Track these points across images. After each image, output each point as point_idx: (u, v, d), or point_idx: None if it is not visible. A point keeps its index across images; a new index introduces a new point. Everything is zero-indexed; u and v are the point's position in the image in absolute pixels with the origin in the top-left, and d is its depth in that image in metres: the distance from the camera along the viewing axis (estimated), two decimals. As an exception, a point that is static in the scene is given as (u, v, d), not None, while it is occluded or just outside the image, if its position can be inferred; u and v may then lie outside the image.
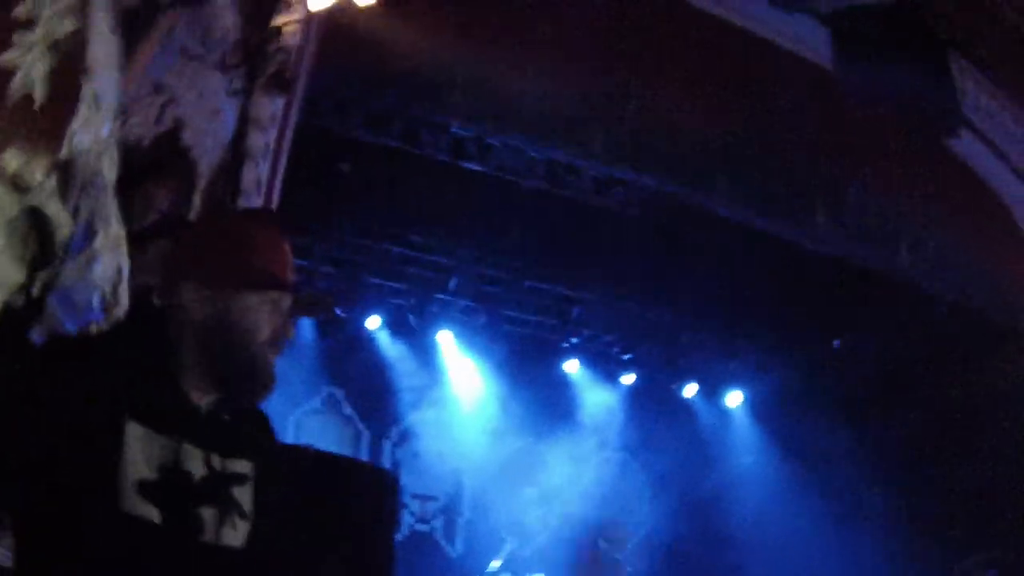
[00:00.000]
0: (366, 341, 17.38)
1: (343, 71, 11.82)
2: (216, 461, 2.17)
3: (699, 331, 18.38)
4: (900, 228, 14.72)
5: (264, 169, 8.38)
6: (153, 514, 1.96)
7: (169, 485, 2.01)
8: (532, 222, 14.54)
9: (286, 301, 2.36)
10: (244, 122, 7.75)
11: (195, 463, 2.12)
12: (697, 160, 13.76)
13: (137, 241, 5.36)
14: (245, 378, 2.31)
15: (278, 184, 8.76)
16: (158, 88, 5.95)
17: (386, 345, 17.53)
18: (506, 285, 16.87)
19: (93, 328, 2.75)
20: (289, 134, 8.88)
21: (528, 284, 16.87)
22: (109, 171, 2.57)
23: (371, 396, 17.65)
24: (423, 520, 18.07)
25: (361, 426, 17.75)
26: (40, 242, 1.75)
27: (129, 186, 5.22)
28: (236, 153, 7.72)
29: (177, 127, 6.35)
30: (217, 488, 2.15)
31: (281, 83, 7.90)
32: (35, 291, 1.79)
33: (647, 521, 20.37)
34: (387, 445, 18.06)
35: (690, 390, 19.87)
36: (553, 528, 19.24)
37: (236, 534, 2.18)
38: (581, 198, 14.11)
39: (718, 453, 20.38)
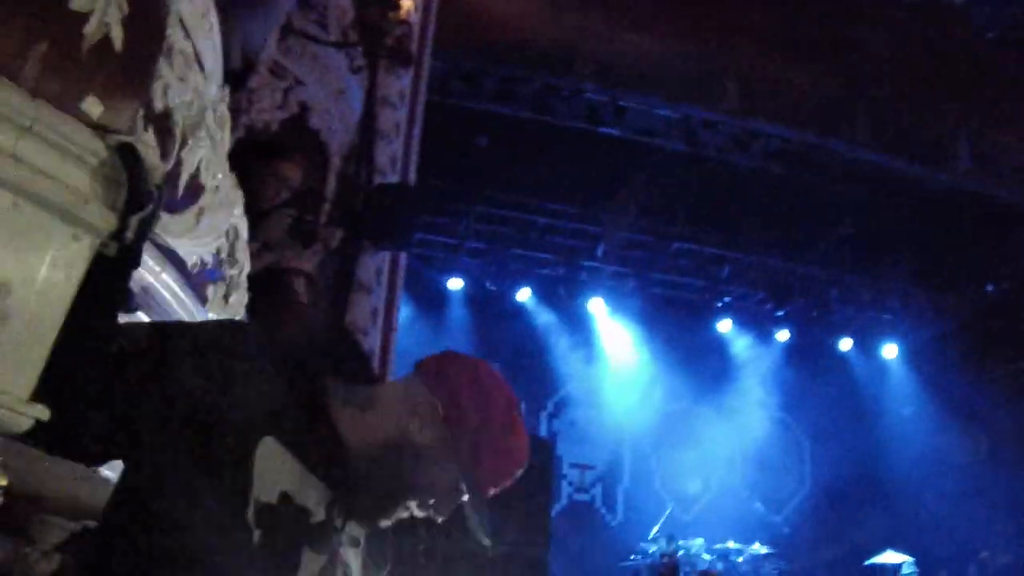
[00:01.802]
0: (517, 313, 17.45)
1: (470, 45, 11.90)
2: (339, 513, 2.10)
3: (850, 284, 18.00)
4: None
5: (398, 146, 8.48)
6: (255, 535, 1.89)
7: (283, 513, 1.94)
8: (674, 184, 14.40)
9: (461, 495, 2.21)
10: (373, 101, 7.82)
11: (317, 506, 2.04)
12: (836, 109, 13.49)
13: (268, 217, 5.49)
14: (379, 502, 2.20)
15: (414, 161, 8.86)
16: (279, 73, 6.05)
17: (537, 316, 17.59)
18: (653, 248, 16.78)
19: (210, 290, 2.81)
20: (420, 110, 8.97)
21: (676, 246, 16.75)
22: (217, 130, 2.59)
23: (525, 368, 17.71)
24: (582, 489, 18.11)
25: (517, 398, 17.81)
26: (132, 184, 1.76)
27: (259, 168, 5.35)
28: (368, 132, 7.81)
29: (303, 110, 6.45)
30: (331, 540, 2.08)
31: (403, 57, 7.95)
32: (129, 237, 1.78)
33: (806, 480, 20.12)
34: (543, 416, 18.13)
35: (845, 344, 19.50)
36: (713, 492, 19.13)
37: None
38: (721, 156, 13.93)
39: (876, 406, 19.97)
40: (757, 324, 18.80)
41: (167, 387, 1.84)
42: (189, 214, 2.47)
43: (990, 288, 17.46)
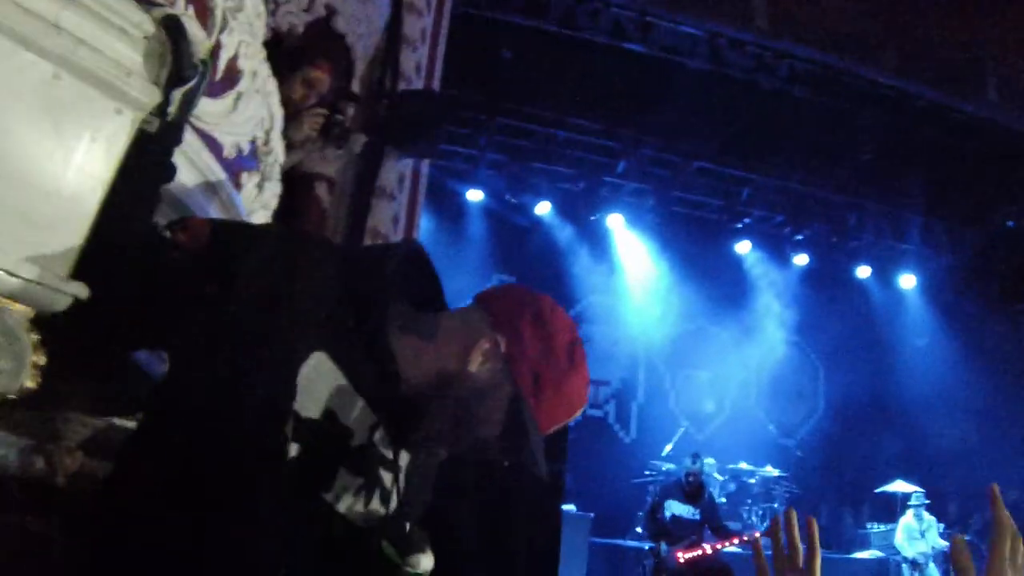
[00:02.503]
0: (536, 227, 17.44)
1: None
2: (383, 439, 2.06)
3: (869, 211, 17.89)
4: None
5: (423, 54, 8.38)
6: (292, 448, 1.86)
7: (324, 430, 1.92)
8: (698, 103, 14.22)
9: (523, 433, 2.14)
10: (400, 7, 7.72)
11: (361, 428, 2.01)
12: (863, 33, 13.32)
13: (297, 118, 5.44)
14: (433, 432, 2.13)
15: (438, 69, 8.77)
16: (306, -25, 5.96)
17: (556, 231, 17.57)
18: (674, 167, 16.68)
19: (244, 177, 2.76)
20: (446, 17, 8.86)
21: (696, 165, 16.64)
22: (255, 17, 2.53)
23: (542, 282, 17.70)
24: (596, 405, 18.20)
25: (533, 312, 17.87)
26: (176, 58, 1.70)
27: (287, 74, 5.30)
28: (394, 38, 7.72)
29: (329, 13, 6.36)
30: (370, 463, 2.04)
31: (433, -40, 7.84)
32: (172, 112, 1.74)
33: (819, 405, 20.21)
34: (559, 331, 18.15)
35: (863, 271, 19.52)
36: (727, 413, 19.22)
37: (368, 514, 2.07)
38: (747, 77, 13.76)
39: (891, 336, 20.00)
40: (775, 247, 18.78)
41: (224, 286, 1.81)
42: (227, 99, 2.42)
43: (1010, 224, 17.37)
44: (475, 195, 16.75)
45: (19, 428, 1.96)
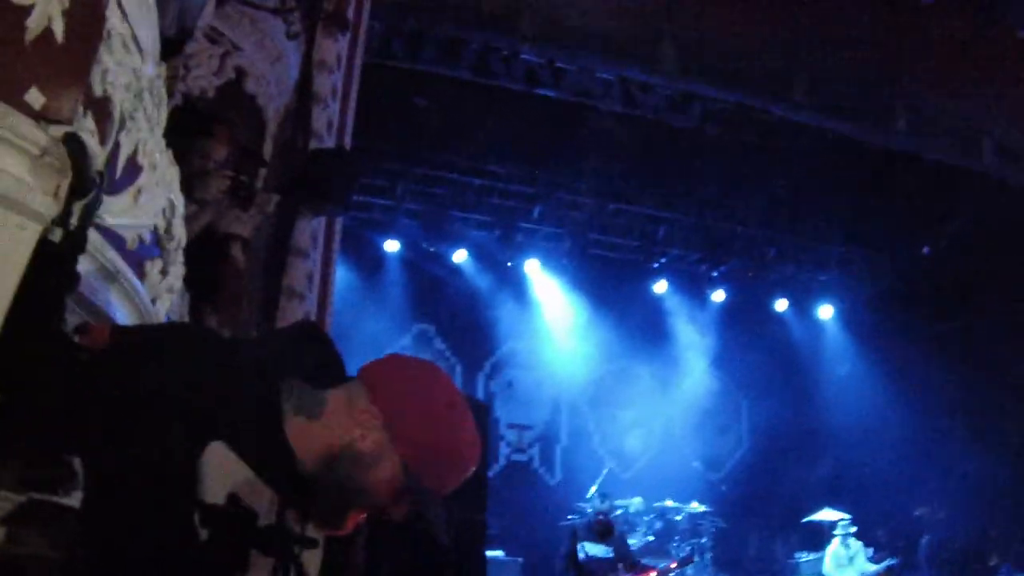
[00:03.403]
0: (454, 275, 17.47)
1: (407, 6, 11.88)
2: (293, 517, 2.12)
3: (786, 244, 18.20)
4: (981, 126, 14.44)
5: (335, 110, 8.47)
6: (204, 535, 1.94)
7: (234, 515, 2.00)
8: (611, 145, 14.45)
9: (410, 498, 2.19)
10: (310, 65, 7.81)
11: (268, 510, 2.08)
12: (772, 70, 13.59)
13: (207, 176, 5.51)
14: (321, 506, 2.17)
15: (350, 124, 8.84)
16: (216, 39, 6.04)
17: (474, 278, 17.62)
18: (590, 210, 16.85)
19: (148, 265, 2.85)
20: (357, 73, 8.94)
21: (612, 207, 16.85)
22: (154, 110, 2.63)
23: (462, 330, 17.82)
24: (520, 449, 18.27)
25: (454, 360, 17.93)
26: (76, 172, 1.80)
27: (187, 142, 5.37)
28: (304, 96, 7.80)
29: (239, 76, 6.43)
30: (282, 541, 2.10)
31: (340, 21, 7.95)
32: (73, 222, 1.83)
33: (744, 439, 20.42)
34: (481, 377, 18.26)
35: (781, 304, 19.82)
36: (652, 451, 19.35)
37: None
38: (658, 117, 13.99)
39: (812, 366, 20.28)
40: (693, 284, 18.98)
41: (122, 386, 1.90)
42: (127, 194, 2.51)
43: (926, 250, 17.74)
44: (392, 245, 16.77)
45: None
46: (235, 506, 1.99)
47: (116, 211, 2.45)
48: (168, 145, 2.97)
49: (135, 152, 2.49)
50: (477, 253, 17.32)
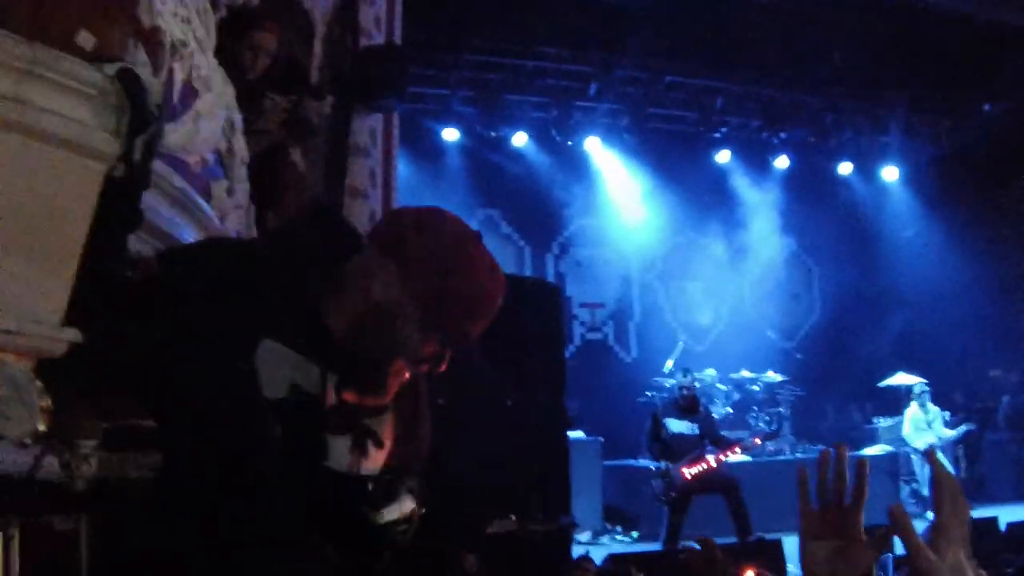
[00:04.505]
0: (515, 159, 17.43)
1: None
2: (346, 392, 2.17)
3: (846, 110, 17.91)
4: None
5: (381, 5, 8.42)
6: (277, 431, 2.01)
7: (298, 406, 2.05)
8: (665, 17, 14.20)
9: (440, 357, 2.19)
10: (353, -37, 7.77)
11: (329, 392, 2.14)
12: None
13: (262, 104, 5.52)
14: (362, 371, 2.21)
15: (398, 19, 8.79)
16: (259, -57, 5.99)
17: (535, 160, 17.54)
18: (646, 84, 16.65)
19: (214, 186, 2.88)
20: (404, -34, 8.87)
21: (668, 80, 16.63)
22: (204, 31, 2.63)
23: (527, 212, 17.77)
24: (594, 328, 18.35)
25: (522, 243, 17.96)
26: (134, 106, 1.82)
27: (235, 41, 5.36)
28: (351, -5, 7.78)
29: (285, -23, 6.41)
30: (350, 417, 2.18)
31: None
32: (136, 157, 1.85)
33: (816, 306, 20.35)
34: (549, 259, 18.28)
35: (845, 168, 19.48)
36: (724, 322, 19.36)
37: (369, 463, 2.22)
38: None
39: (879, 229, 20.12)
40: (755, 153, 18.71)
41: (174, 306, 1.96)
42: (187, 120, 2.53)
43: (987, 108, 17.40)
44: (451, 134, 16.69)
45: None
46: (298, 395, 2.06)
47: (178, 138, 2.48)
48: (220, 59, 2.99)
49: (189, 77, 2.50)
50: (536, 135, 17.19)
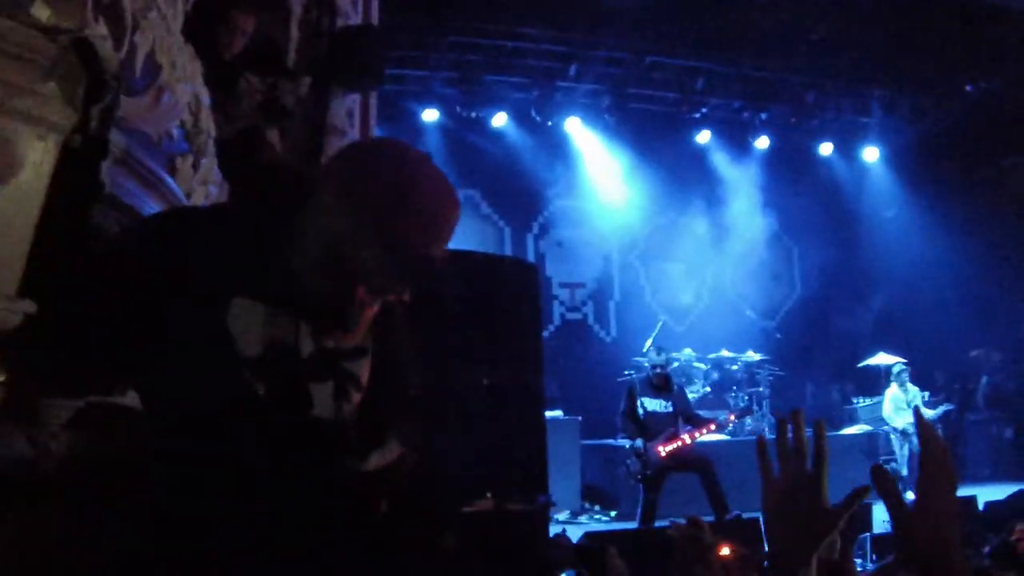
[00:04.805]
0: (495, 140, 17.43)
1: None
2: (322, 338, 2.16)
3: (826, 89, 17.92)
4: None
5: (359, -15, 8.39)
6: (259, 388, 2.02)
7: (276, 359, 2.06)
8: (643, -2, 14.17)
9: (405, 283, 2.15)
10: (329, -56, 7.73)
11: (304, 340, 2.13)
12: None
13: (233, 73, 5.51)
14: (332, 305, 2.19)
15: (376, 1, 8.77)
16: (234, -78, 5.97)
17: (515, 140, 17.55)
18: (626, 64, 16.64)
19: (179, 161, 2.88)
20: (381, -52, 8.83)
21: (649, 60, 16.60)
22: (168, 7, 2.63)
23: (507, 193, 17.79)
24: (574, 308, 18.39)
25: (502, 224, 17.98)
26: (90, 75, 1.82)
27: (213, 22, 5.35)
28: (329, -25, 7.74)
29: (261, -43, 6.37)
30: (329, 363, 2.16)
31: None
32: (93, 126, 1.85)
33: (797, 285, 20.41)
34: (529, 239, 18.30)
35: (826, 148, 19.57)
36: (704, 302, 19.42)
37: (351, 407, 2.20)
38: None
39: (860, 209, 20.19)
40: (736, 133, 18.76)
41: (141, 272, 1.97)
42: (149, 94, 2.54)
43: (969, 88, 17.41)
44: (431, 115, 16.69)
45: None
46: (275, 349, 2.07)
47: (140, 110, 2.48)
48: (190, 38, 2.99)
49: (152, 51, 2.50)
50: (516, 116, 17.21)
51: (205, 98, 3.05)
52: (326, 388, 2.14)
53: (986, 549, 7.46)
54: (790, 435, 1.90)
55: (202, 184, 3.14)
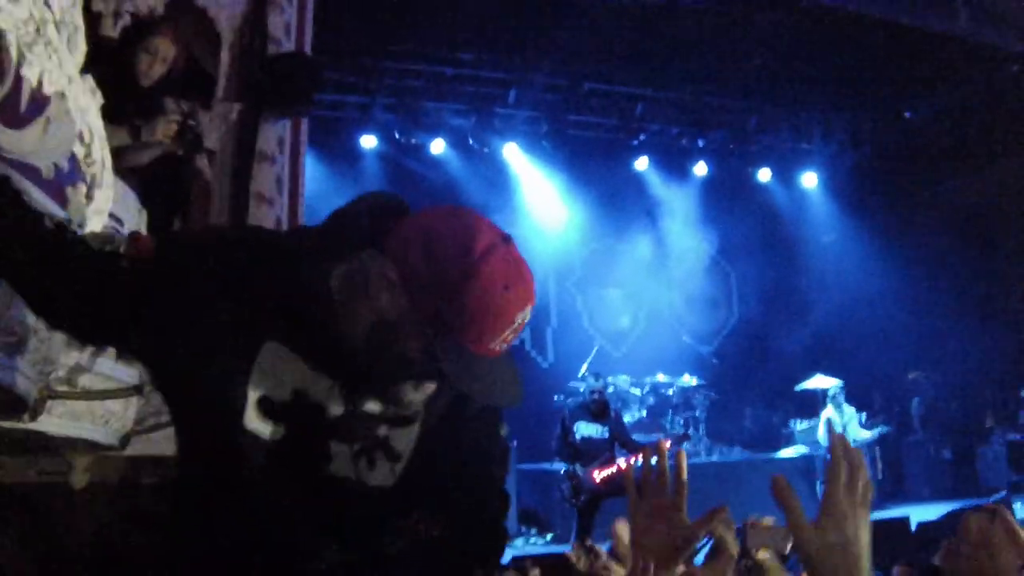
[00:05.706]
0: (433, 166, 17.42)
1: None
2: (359, 403, 2.10)
3: (767, 114, 18.11)
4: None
5: (292, 14, 8.40)
6: (272, 432, 2.01)
7: (299, 408, 2.01)
8: (582, 23, 14.18)
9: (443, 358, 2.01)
10: (260, -31, 7.74)
11: (334, 399, 2.06)
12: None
13: (152, 99, 5.53)
14: (383, 383, 2.09)
15: (308, 27, 8.77)
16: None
17: (454, 167, 17.56)
18: (565, 91, 16.73)
19: (69, 191, 2.90)
20: (312, -28, 8.85)
21: (588, 86, 16.72)
22: (61, 41, 2.65)
23: (444, 220, 17.77)
24: (511, 334, 18.37)
25: (440, 250, 17.94)
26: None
27: (133, 48, 5.37)
28: (259, 2, 7.75)
29: (187, -11, 6.40)
30: (359, 425, 2.09)
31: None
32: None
33: (734, 311, 20.57)
34: (466, 267, 18.22)
35: (764, 174, 19.74)
36: (641, 327, 19.51)
37: (378, 474, 2.14)
38: (630, -8, 13.77)
39: (799, 235, 20.44)
40: (674, 159, 18.91)
41: (173, 293, 2.04)
42: (36, 126, 2.55)
43: (908, 114, 17.66)
44: (369, 141, 16.67)
45: None
46: (302, 401, 2.05)
47: (27, 144, 2.51)
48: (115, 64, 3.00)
49: (40, 84, 2.53)
50: (455, 142, 17.22)
51: (99, 129, 3.07)
52: (346, 451, 2.11)
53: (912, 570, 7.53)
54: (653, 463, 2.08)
55: (97, 214, 3.16)
